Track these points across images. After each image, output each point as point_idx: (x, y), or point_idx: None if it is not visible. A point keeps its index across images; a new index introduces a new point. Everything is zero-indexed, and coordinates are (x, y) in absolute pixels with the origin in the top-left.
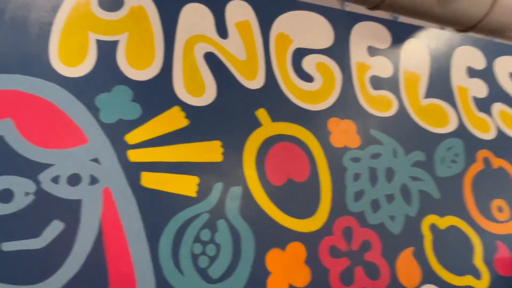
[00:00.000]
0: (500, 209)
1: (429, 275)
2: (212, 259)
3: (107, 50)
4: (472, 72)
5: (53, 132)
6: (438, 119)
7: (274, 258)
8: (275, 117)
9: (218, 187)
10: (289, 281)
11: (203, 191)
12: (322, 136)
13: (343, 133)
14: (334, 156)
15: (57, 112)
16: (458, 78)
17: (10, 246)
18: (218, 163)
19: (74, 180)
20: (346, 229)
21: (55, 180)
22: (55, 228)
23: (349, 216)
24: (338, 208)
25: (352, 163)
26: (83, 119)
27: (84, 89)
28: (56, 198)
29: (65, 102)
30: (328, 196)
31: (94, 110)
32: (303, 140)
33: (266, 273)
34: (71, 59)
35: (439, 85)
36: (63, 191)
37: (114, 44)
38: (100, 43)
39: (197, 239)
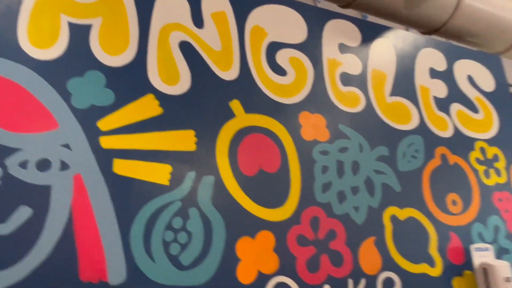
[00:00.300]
0: (454, 203)
1: (388, 262)
2: (184, 247)
3: (79, 33)
4: (434, 73)
5: (21, 116)
6: (402, 116)
7: (244, 246)
8: (248, 109)
9: (190, 176)
10: (258, 268)
11: (176, 180)
12: (293, 129)
13: (313, 126)
14: (304, 148)
15: (26, 95)
16: (421, 78)
17: None
18: (191, 152)
19: (43, 165)
20: (314, 219)
21: (23, 165)
22: (23, 213)
23: (317, 206)
24: (307, 198)
25: (321, 156)
26: (54, 104)
27: (55, 72)
28: (24, 184)
29: (34, 85)
30: (297, 187)
31: (65, 95)
32: (275, 132)
33: (236, 260)
34: (42, 41)
35: (404, 84)
36: (31, 176)
37: (87, 28)
38: (72, 26)
39: (168, 227)
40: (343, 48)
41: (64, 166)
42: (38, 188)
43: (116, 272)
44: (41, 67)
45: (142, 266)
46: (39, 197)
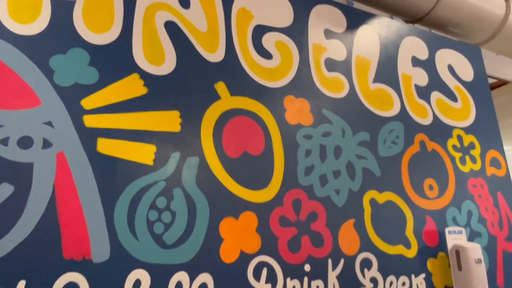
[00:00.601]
0: (431, 187)
1: (366, 244)
2: (167, 226)
3: (62, 9)
4: (416, 62)
5: (3, 92)
6: (384, 103)
7: (227, 226)
8: (233, 91)
9: (175, 157)
10: (241, 247)
11: (160, 160)
12: (278, 113)
13: (297, 111)
14: (288, 132)
15: (7, 71)
16: (404, 66)
17: None
18: (176, 133)
19: (25, 142)
20: (296, 201)
21: (4, 142)
22: (4, 190)
23: (299, 189)
24: (289, 181)
25: (304, 140)
26: (36, 81)
27: (36, 49)
28: (5, 161)
29: (15, 61)
30: (280, 170)
31: (47, 72)
32: (260, 116)
33: (220, 240)
34: (23, 15)
35: (387, 71)
36: (13, 153)
37: (70, 4)
38: (54, 2)
39: (152, 206)
40: (328, 33)
41: (46, 144)
42: (20, 165)
43: (100, 250)
44: (22, 43)
45: (126, 245)
46: (21, 175)
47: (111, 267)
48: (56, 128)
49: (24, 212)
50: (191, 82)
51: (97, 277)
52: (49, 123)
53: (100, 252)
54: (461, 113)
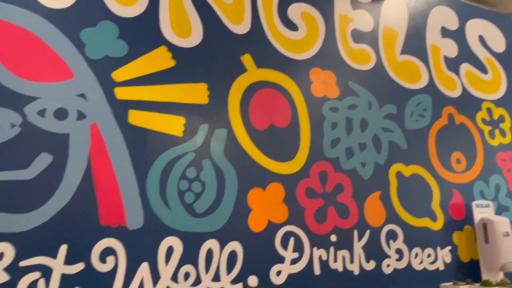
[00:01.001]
0: (458, 161)
1: (392, 216)
2: (198, 195)
3: None
4: (445, 32)
5: (38, 65)
6: (411, 75)
7: (255, 197)
8: (259, 64)
9: (203, 128)
10: (268, 217)
11: (189, 132)
12: (304, 85)
13: (323, 83)
14: (314, 105)
15: (41, 45)
16: (432, 37)
17: (0, 175)
18: (204, 105)
19: (61, 114)
20: (322, 173)
21: (41, 113)
22: (44, 160)
23: (325, 161)
24: (316, 153)
25: (330, 113)
26: (68, 54)
27: (67, 22)
28: (43, 131)
29: (49, 34)
30: (307, 142)
31: (79, 45)
32: (286, 88)
33: (248, 210)
34: None
35: (415, 42)
36: (50, 124)
37: None
38: None
39: (183, 176)
40: (355, 4)
41: (81, 115)
42: (57, 136)
43: (134, 218)
44: (54, 16)
45: (158, 213)
46: (58, 145)
47: (145, 234)
48: (89, 100)
49: (62, 181)
50: (217, 54)
51: (133, 243)
52: (82, 95)
53: (134, 219)
54: (491, 85)
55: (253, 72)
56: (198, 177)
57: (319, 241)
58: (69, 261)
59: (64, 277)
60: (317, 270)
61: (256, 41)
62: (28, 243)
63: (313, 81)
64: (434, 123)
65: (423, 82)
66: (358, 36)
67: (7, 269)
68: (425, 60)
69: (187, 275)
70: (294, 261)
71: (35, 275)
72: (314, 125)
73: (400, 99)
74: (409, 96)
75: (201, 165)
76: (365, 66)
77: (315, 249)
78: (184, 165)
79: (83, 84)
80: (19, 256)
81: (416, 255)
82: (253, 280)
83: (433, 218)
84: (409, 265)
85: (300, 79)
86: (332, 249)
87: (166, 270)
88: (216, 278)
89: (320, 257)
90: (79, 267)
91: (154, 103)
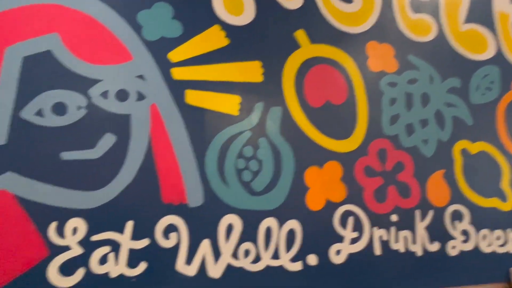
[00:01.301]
0: None
1: (457, 196)
2: (255, 174)
3: None
4: None
5: (99, 48)
6: (476, 45)
7: (312, 175)
8: (313, 39)
9: (259, 107)
10: (326, 196)
11: (245, 110)
12: (360, 60)
13: (380, 57)
14: (371, 80)
15: (102, 29)
16: (500, 3)
17: (68, 155)
18: (259, 84)
19: (122, 95)
20: (381, 151)
21: (104, 95)
22: (108, 140)
23: (384, 138)
24: (374, 130)
25: (389, 88)
26: (127, 36)
27: (125, 5)
28: (106, 113)
29: (108, 18)
30: (364, 119)
31: (136, 27)
32: (341, 63)
33: (305, 188)
34: None
35: (480, 10)
36: (112, 105)
37: None
38: None
39: (240, 155)
40: None
41: (140, 96)
42: (119, 117)
43: (194, 195)
44: (111, 0)
45: (217, 191)
46: (121, 125)
47: (205, 211)
48: (148, 81)
49: (126, 160)
50: (270, 31)
51: (194, 220)
52: (141, 77)
53: (194, 197)
54: None
55: (307, 48)
56: (255, 156)
57: (379, 220)
58: (135, 236)
59: (131, 252)
60: (377, 250)
61: (309, 16)
62: (98, 219)
63: (369, 55)
64: (503, 97)
65: (490, 53)
66: (417, 6)
67: (81, 243)
68: (492, 28)
69: (247, 253)
70: (353, 241)
71: (105, 249)
72: (371, 101)
73: (465, 71)
74: (475, 68)
75: (257, 144)
76: (425, 38)
77: (375, 228)
78: (241, 144)
79: (141, 66)
80: (90, 231)
81: (484, 237)
82: (312, 259)
83: (503, 198)
84: (476, 247)
85: (356, 54)
86: (393, 229)
87: (226, 247)
88: (275, 256)
89: (380, 237)
90: (144, 242)
91: (210, 83)
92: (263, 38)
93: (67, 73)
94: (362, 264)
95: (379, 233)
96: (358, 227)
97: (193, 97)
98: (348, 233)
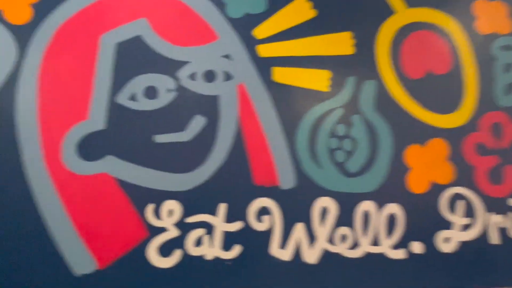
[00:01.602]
0: None
1: None
2: (349, 154)
3: None
4: None
5: (184, 30)
6: None
7: (413, 154)
8: (410, 2)
9: (351, 81)
10: (430, 177)
11: (336, 86)
12: (466, 22)
13: (491, 17)
14: (481, 44)
15: (186, 9)
16: None
17: (161, 138)
18: (350, 56)
19: (209, 76)
20: (495, 125)
21: (193, 77)
22: (198, 122)
23: (499, 111)
24: (485, 102)
25: (502, 52)
26: (211, 16)
27: None
28: (195, 94)
29: None
30: (473, 90)
31: (220, 6)
32: (443, 27)
33: (405, 169)
34: None
35: None
36: (201, 87)
37: None
38: None
39: (332, 134)
40: None
41: (227, 76)
42: (208, 98)
43: (286, 177)
44: None
45: (310, 172)
46: (210, 107)
47: (298, 193)
48: (234, 61)
49: (216, 141)
50: None
51: (286, 203)
52: (227, 56)
53: (286, 179)
54: None
55: (402, 14)
56: (349, 135)
57: (495, 205)
58: (228, 219)
59: (225, 235)
60: (494, 239)
61: None
62: (191, 201)
63: (477, 16)
64: None
65: None
66: None
67: (177, 225)
68: None
69: (343, 238)
70: (464, 228)
71: (200, 231)
72: (481, 68)
73: None
74: None
75: (350, 121)
76: None
77: (490, 214)
78: (333, 122)
79: (227, 45)
80: (185, 213)
81: None
82: (417, 247)
83: None
84: None
85: (461, 15)
86: None
87: (321, 232)
88: (375, 242)
89: (497, 224)
90: (238, 225)
91: (298, 58)
92: (353, 6)
93: (156, 56)
94: (476, 254)
95: (496, 219)
96: (469, 212)
97: (280, 75)
98: (458, 219)
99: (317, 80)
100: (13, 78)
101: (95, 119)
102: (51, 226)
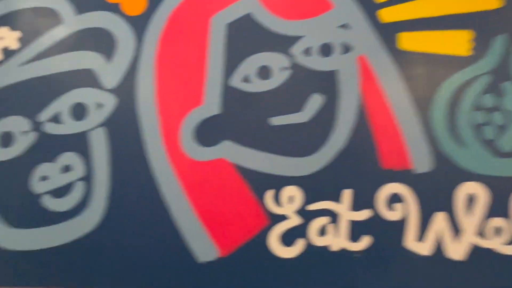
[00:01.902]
0: None
1: None
2: (501, 129)
3: None
4: None
5: (295, 1)
6: None
7: None
8: None
9: (499, 41)
10: None
11: (479, 48)
12: None
13: None
14: None
15: None
16: None
17: (277, 120)
18: (496, 11)
19: (325, 50)
20: None
21: (307, 52)
22: (316, 101)
23: None
24: None
25: None
26: None
27: None
28: (311, 71)
29: None
30: None
31: None
32: None
33: None
34: None
35: None
36: (316, 62)
37: None
38: None
39: (478, 107)
40: None
41: (346, 48)
42: (325, 74)
43: (421, 159)
44: None
45: (450, 153)
46: (327, 84)
47: (437, 178)
48: (353, 30)
49: (337, 121)
50: None
51: (423, 189)
52: (345, 26)
53: (421, 161)
54: None
55: None
56: (499, 106)
57: None
58: (355, 207)
59: (352, 224)
60: None
61: None
62: (312, 187)
63: None
64: None
65: None
66: None
67: (298, 213)
68: None
69: (497, 231)
70: None
71: (324, 219)
72: None
73: None
74: None
75: (501, 90)
76: None
77: None
78: (477, 92)
79: (343, 13)
80: (306, 200)
81: None
82: None
83: None
84: None
85: None
86: None
87: (468, 223)
88: None
89: None
90: (366, 214)
91: (428, 20)
92: None
93: (268, 33)
94: None
95: None
96: None
97: (408, 41)
98: None
99: (455, 43)
100: (132, 67)
101: (210, 103)
102: (174, 214)
